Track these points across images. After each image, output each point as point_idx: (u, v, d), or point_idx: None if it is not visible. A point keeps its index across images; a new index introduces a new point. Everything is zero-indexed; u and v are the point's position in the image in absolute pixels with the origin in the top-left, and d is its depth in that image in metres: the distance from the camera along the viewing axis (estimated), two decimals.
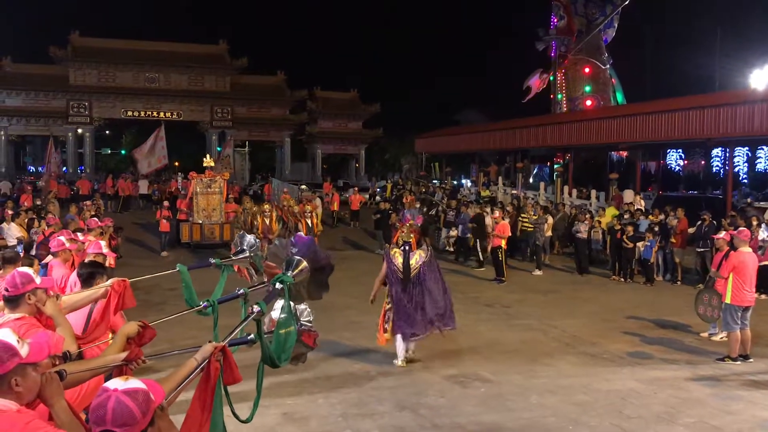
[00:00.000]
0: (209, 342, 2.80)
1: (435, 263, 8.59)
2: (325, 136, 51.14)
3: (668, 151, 37.48)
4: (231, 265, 4.76)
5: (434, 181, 40.85)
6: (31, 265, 6.56)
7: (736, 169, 34.22)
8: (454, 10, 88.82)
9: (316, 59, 73.93)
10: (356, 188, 29.92)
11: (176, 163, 45.72)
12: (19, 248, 10.64)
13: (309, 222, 16.64)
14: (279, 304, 3.43)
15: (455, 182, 41.64)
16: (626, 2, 38.39)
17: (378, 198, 31.09)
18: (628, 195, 22.14)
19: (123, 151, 56.35)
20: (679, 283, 14.97)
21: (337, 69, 68.73)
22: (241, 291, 3.72)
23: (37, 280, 3.71)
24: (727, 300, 8.76)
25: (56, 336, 3.00)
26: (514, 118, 34.60)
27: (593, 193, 24.43)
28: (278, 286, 3.42)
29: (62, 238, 7.04)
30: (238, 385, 2.89)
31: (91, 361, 3.23)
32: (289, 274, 3.53)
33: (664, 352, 9.13)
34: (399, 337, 8.30)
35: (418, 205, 21.02)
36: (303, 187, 29.91)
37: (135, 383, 2.06)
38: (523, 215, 18.26)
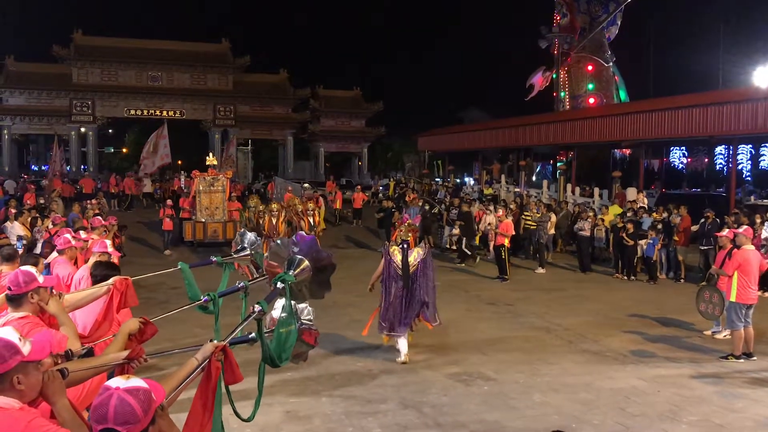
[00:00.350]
0: (210, 341, 2.79)
1: (431, 261, 8.78)
2: (327, 135, 51.17)
3: (671, 148, 37.47)
4: (232, 263, 4.77)
5: (437, 179, 40.87)
6: (36, 264, 6.57)
7: (740, 167, 34.21)
8: (455, 10, 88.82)
9: (318, 58, 74.10)
10: (359, 186, 29.92)
11: (179, 162, 45.77)
12: (19, 245, 10.64)
13: (311, 220, 16.59)
14: (280, 303, 3.43)
15: (458, 180, 41.65)
16: (629, 0, 38.33)
17: (381, 196, 31.09)
18: (631, 193, 22.10)
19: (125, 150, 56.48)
20: (682, 281, 14.93)
21: (339, 67, 68.87)
22: (242, 284, 3.73)
23: (40, 278, 3.71)
24: (732, 298, 8.74)
25: (59, 334, 3.01)
26: (517, 116, 34.54)
27: (596, 190, 24.39)
28: (279, 285, 3.41)
29: (68, 235, 7.07)
30: (240, 384, 2.89)
31: (93, 359, 3.23)
32: (290, 273, 3.52)
33: (668, 350, 9.11)
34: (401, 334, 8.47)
35: (420, 203, 21.01)
36: (306, 185, 29.92)
37: (137, 382, 2.06)
38: (526, 213, 18.25)
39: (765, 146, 35.95)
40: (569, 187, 26.07)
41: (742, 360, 8.56)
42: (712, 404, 6.99)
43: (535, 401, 7.04)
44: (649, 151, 31.30)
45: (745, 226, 10.20)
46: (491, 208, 18.67)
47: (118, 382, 2.06)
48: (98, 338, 4.43)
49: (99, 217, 11.97)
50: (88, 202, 18.97)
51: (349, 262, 16.33)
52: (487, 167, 39.48)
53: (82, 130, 44.72)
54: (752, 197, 25.89)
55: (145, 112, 45.84)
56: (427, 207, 20.88)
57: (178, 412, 2.77)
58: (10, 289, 3.59)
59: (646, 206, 19.16)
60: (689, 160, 40.30)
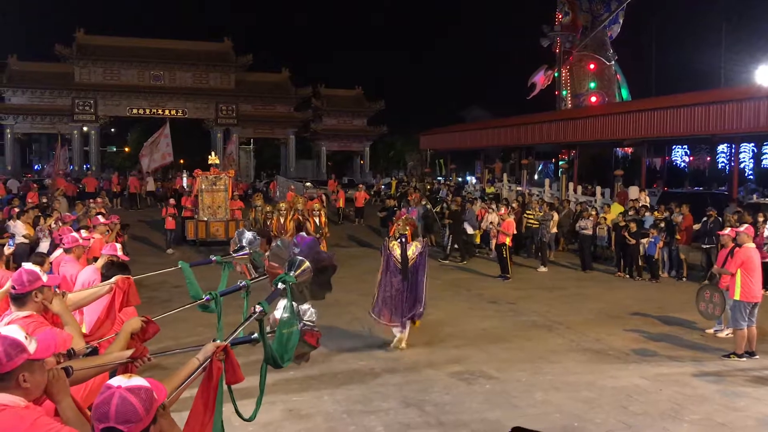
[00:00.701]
0: (212, 341, 2.80)
1: (426, 254, 9.17)
2: (329, 134, 51.19)
3: (673, 147, 37.40)
4: (232, 262, 4.79)
5: (439, 178, 40.87)
6: (42, 264, 6.60)
7: (742, 165, 34.11)
8: (455, 8, 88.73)
9: (320, 57, 74.08)
10: (362, 186, 29.94)
11: (181, 161, 45.83)
12: (11, 242, 10.68)
13: (317, 220, 16.50)
14: (282, 303, 3.44)
15: (460, 179, 41.64)
16: None
17: (383, 195, 31.12)
18: (633, 191, 22.07)
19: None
20: (684, 279, 14.92)
21: (341, 66, 68.84)
22: (243, 283, 3.74)
23: (44, 277, 3.73)
24: (736, 297, 8.74)
25: (64, 333, 3.02)
26: (519, 114, 34.51)
27: (598, 189, 24.37)
28: (280, 286, 3.42)
29: (76, 234, 7.11)
30: (242, 383, 2.90)
31: (97, 357, 3.25)
32: (291, 275, 3.53)
33: (670, 349, 9.12)
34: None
35: (423, 202, 21.01)
36: (308, 184, 29.95)
37: (138, 381, 2.07)
38: (528, 212, 18.25)
39: (767, 145, 35.84)
40: (571, 185, 26.07)
41: (744, 359, 8.56)
42: (714, 403, 7.00)
43: (537, 400, 7.05)
44: (651, 149, 31.30)
45: (746, 225, 10.19)
46: (493, 206, 18.68)
47: (119, 380, 2.06)
48: (100, 337, 4.45)
49: (100, 217, 11.98)
50: (91, 201, 18.99)
51: (352, 261, 16.37)
52: (489, 166, 39.49)
53: (85, 129, 44.77)
54: (754, 196, 25.84)
55: (148, 111, 45.88)
56: (429, 206, 20.88)
57: (179, 411, 2.78)
58: (14, 288, 3.61)
59: (648, 205, 19.15)
60: (691, 158, 40.19)
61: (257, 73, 48.66)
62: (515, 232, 15.89)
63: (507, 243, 15.03)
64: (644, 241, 15.20)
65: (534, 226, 17.59)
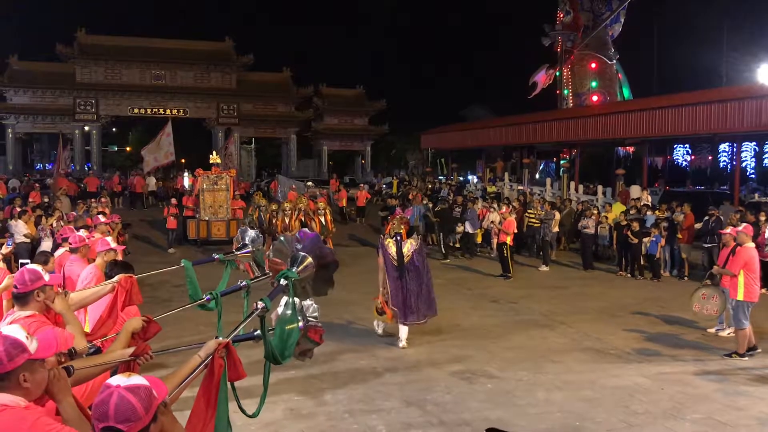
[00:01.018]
0: (214, 338, 2.81)
1: (424, 252, 9.38)
2: (331, 133, 51.19)
3: (675, 146, 37.31)
4: (234, 260, 4.80)
5: (440, 177, 40.86)
6: (46, 263, 6.62)
7: (744, 164, 34.02)
8: (456, 7, 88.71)
9: (321, 56, 74.05)
10: (363, 185, 29.95)
11: (182, 160, 45.87)
12: (9, 242, 10.69)
13: (322, 219, 16.48)
14: (284, 300, 3.45)
15: (461, 178, 41.62)
16: None
17: (384, 194, 31.13)
18: (635, 190, 22.07)
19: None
20: (686, 278, 14.91)
21: (342, 65, 68.81)
22: (244, 283, 3.74)
23: (46, 277, 3.73)
24: (740, 297, 8.73)
25: (65, 333, 3.03)
26: (520, 113, 34.50)
27: (600, 188, 24.36)
28: (283, 282, 3.42)
29: (82, 233, 7.11)
30: (246, 381, 2.90)
31: (98, 357, 3.25)
32: (294, 270, 3.53)
33: (671, 348, 9.11)
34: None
35: (425, 202, 21.00)
36: (309, 183, 29.95)
37: (137, 379, 2.06)
38: (530, 211, 18.24)
39: None
40: (573, 184, 26.04)
41: (746, 357, 8.56)
42: (716, 402, 6.99)
43: (539, 399, 7.05)
44: (652, 148, 31.25)
45: (744, 224, 10.18)
46: (495, 205, 18.67)
47: (118, 380, 2.05)
48: (102, 336, 4.46)
49: (101, 216, 11.99)
50: (94, 201, 19.00)
51: (353, 260, 16.38)
52: (490, 165, 39.47)
53: (86, 128, 44.81)
54: (756, 195, 25.80)
55: (149, 111, 45.91)
56: (430, 205, 20.87)
57: (181, 409, 2.78)
58: (16, 287, 3.62)
59: (650, 204, 19.15)
60: (693, 157, 40.09)
61: (258, 73, 48.68)
62: (516, 231, 15.88)
63: (508, 242, 15.02)
64: (646, 240, 15.20)
65: (535, 225, 17.58)
